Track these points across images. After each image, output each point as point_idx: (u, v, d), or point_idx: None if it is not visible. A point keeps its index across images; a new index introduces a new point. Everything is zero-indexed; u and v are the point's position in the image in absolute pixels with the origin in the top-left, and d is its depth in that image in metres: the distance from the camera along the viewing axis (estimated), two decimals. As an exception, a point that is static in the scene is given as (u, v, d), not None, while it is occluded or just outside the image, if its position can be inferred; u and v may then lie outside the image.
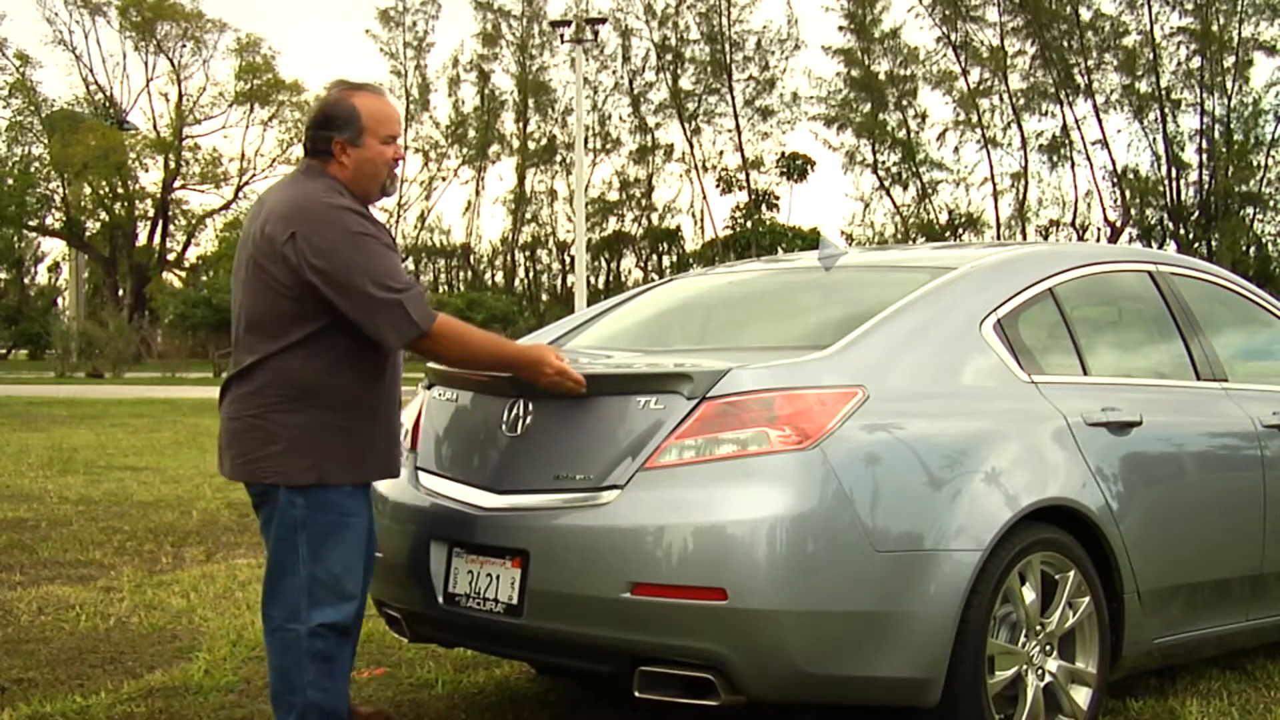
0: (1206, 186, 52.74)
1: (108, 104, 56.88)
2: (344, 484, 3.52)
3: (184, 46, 55.54)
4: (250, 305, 3.53)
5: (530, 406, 3.81)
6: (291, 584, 3.52)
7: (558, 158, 61.52)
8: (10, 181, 53.22)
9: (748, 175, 58.93)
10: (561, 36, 43.75)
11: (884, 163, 58.15)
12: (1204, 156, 52.96)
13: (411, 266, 61.11)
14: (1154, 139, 53.62)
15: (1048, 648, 3.86)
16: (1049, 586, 3.86)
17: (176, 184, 55.74)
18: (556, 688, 4.70)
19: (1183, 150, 53.65)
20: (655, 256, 62.75)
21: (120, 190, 54.86)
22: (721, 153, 60.91)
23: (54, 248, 65.59)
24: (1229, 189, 51.83)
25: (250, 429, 3.50)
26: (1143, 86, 53.14)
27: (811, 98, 58.83)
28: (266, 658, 3.65)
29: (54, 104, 55.54)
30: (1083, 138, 55.11)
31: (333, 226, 3.41)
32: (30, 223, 56.94)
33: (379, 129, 3.55)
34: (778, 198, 58.45)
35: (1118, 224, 54.72)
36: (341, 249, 3.39)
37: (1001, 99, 55.68)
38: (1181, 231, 53.14)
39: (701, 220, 63.39)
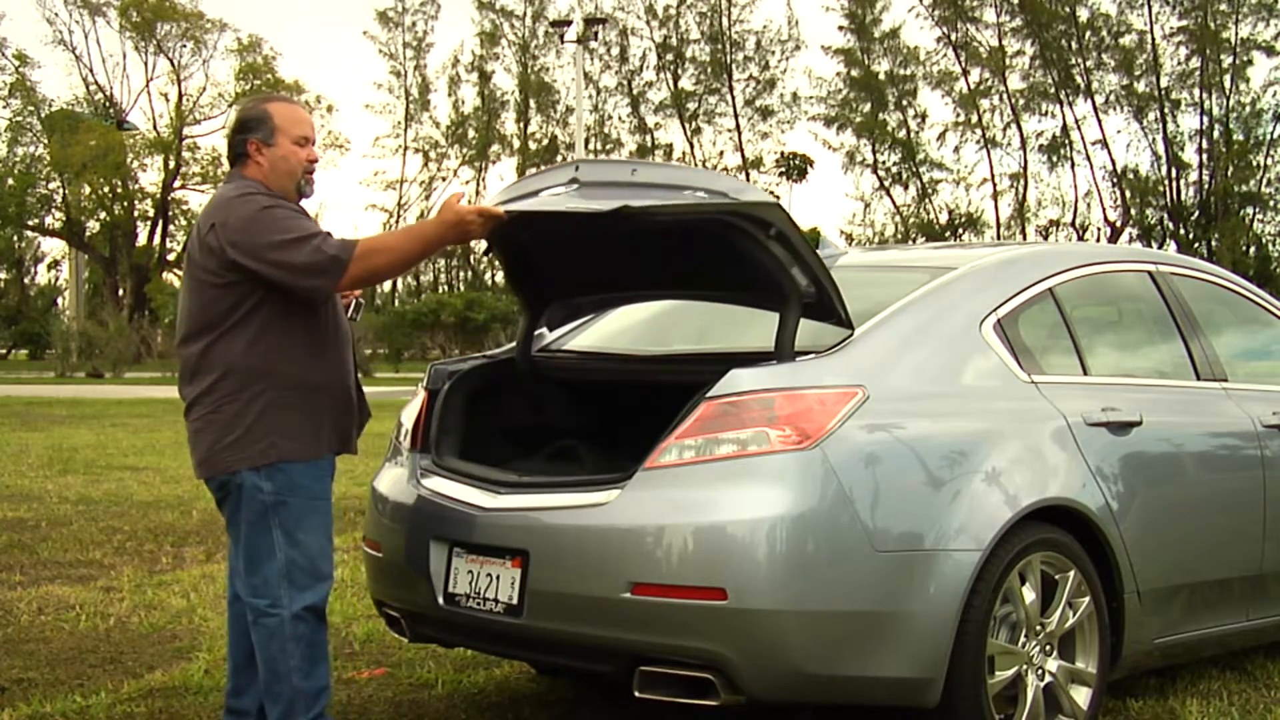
0: (1206, 186, 52.68)
1: (108, 104, 56.81)
2: (302, 459, 3.62)
3: (184, 46, 55.46)
4: (188, 304, 3.68)
5: None
6: (270, 570, 3.62)
7: (559, 158, 61.51)
8: (10, 181, 53.17)
9: (748, 175, 58.85)
10: (562, 36, 43.69)
11: (884, 163, 58.08)
12: (1204, 156, 52.91)
13: (411, 266, 61.14)
14: (1154, 139, 53.57)
15: (1048, 648, 3.86)
16: (1049, 586, 3.86)
17: (176, 184, 55.68)
18: (556, 688, 4.70)
19: (1183, 150, 53.61)
20: (655, 256, 62.65)
21: (120, 190, 54.80)
22: (721, 153, 60.84)
23: (54, 248, 65.52)
24: (1229, 189, 51.77)
25: (208, 425, 3.64)
26: (1142, 86, 53.11)
27: (811, 98, 58.82)
28: (255, 650, 3.71)
29: (54, 104, 55.50)
30: (1083, 138, 55.08)
31: (245, 205, 3.61)
32: (30, 223, 56.88)
33: (291, 129, 3.74)
34: (778, 198, 58.34)
35: (1118, 224, 54.66)
36: (254, 222, 3.57)
37: (1001, 99, 55.66)
38: (1181, 231, 53.09)
39: (701, 220, 63.17)
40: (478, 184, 62.43)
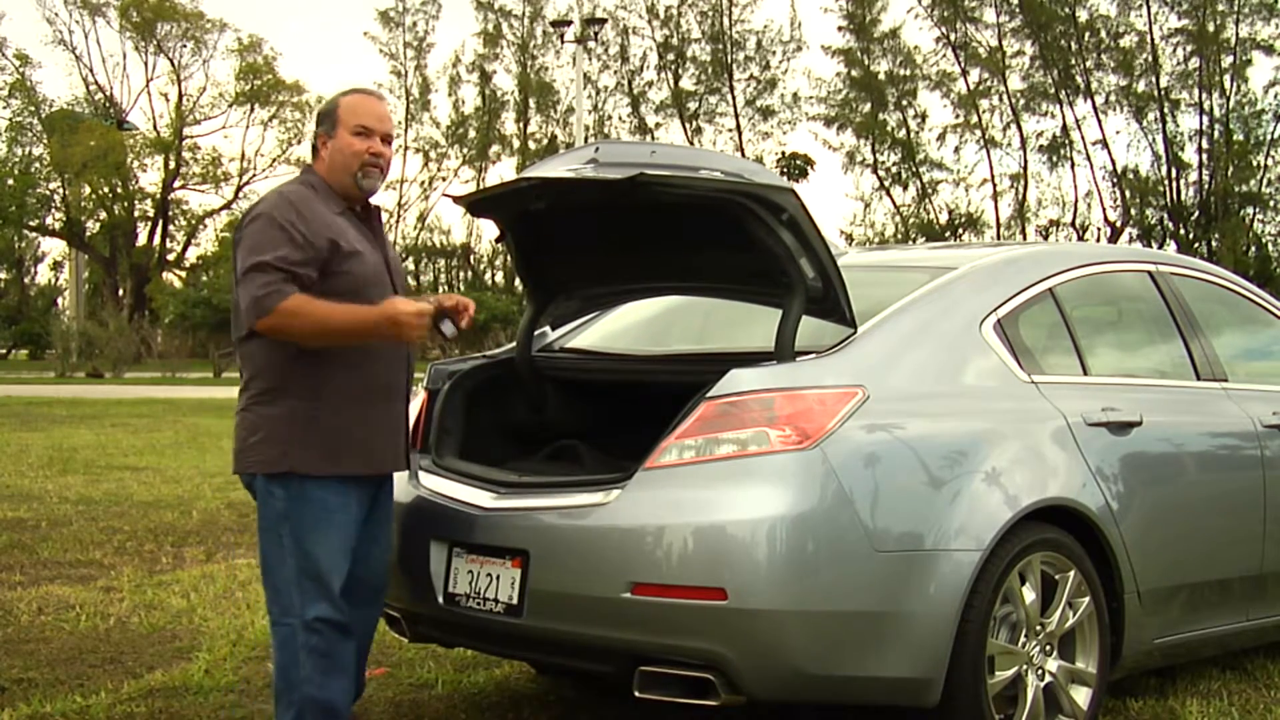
0: (1206, 186, 52.67)
1: (108, 104, 56.78)
2: (320, 475, 3.51)
3: (184, 46, 55.45)
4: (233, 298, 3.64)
5: None
6: (281, 577, 3.56)
7: (558, 158, 61.28)
8: (10, 181, 53.16)
9: (748, 175, 58.71)
10: (562, 37, 43.65)
11: (884, 163, 58.07)
12: (1204, 156, 52.90)
13: (412, 266, 61.11)
14: (1154, 139, 53.56)
15: (1048, 648, 3.86)
16: (1049, 586, 3.86)
17: (176, 184, 55.67)
18: (556, 688, 4.70)
19: (1183, 150, 53.58)
20: (655, 256, 62.49)
21: (120, 190, 54.79)
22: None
23: (54, 248, 65.58)
24: (1229, 189, 51.75)
25: (241, 422, 3.61)
26: (1141, 87, 53.11)
27: (812, 98, 58.78)
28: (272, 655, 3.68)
29: (54, 104, 55.50)
30: (1083, 138, 55.04)
31: (263, 204, 3.56)
32: (30, 223, 56.87)
33: (350, 120, 3.64)
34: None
35: (1118, 224, 54.65)
36: (250, 227, 3.51)
37: (1001, 99, 55.66)
38: (1181, 231, 53.08)
39: (701, 220, 63.03)
40: (478, 184, 62.40)
